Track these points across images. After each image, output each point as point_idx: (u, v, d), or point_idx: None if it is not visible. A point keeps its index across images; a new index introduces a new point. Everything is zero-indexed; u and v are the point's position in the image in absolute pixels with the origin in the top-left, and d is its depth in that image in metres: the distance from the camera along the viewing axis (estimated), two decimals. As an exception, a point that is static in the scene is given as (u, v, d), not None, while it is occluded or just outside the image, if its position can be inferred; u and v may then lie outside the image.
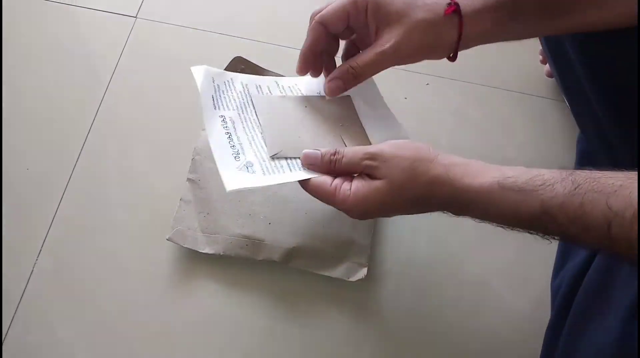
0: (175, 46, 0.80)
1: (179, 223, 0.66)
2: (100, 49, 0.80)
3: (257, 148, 0.55)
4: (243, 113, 0.58)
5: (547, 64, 0.82)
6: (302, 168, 0.55)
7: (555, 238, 0.45)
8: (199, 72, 0.58)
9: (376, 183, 0.50)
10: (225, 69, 0.75)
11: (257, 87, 0.61)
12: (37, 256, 0.66)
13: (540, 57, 0.83)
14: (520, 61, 0.84)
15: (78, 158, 0.72)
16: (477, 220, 0.49)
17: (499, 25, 0.53)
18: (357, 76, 0.55)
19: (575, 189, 0.41)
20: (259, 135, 0.56)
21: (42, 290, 0.64)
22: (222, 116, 0.57)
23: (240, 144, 0.55)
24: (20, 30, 0.80)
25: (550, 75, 0.81)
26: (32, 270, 0.65)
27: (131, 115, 0.75)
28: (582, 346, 0.54)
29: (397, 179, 0.49)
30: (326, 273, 0.64)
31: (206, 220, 0.66)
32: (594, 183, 0.41)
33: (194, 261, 0.66)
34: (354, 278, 0.64)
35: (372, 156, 0.50)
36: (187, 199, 0.67)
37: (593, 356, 0.52)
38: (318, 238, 0.65)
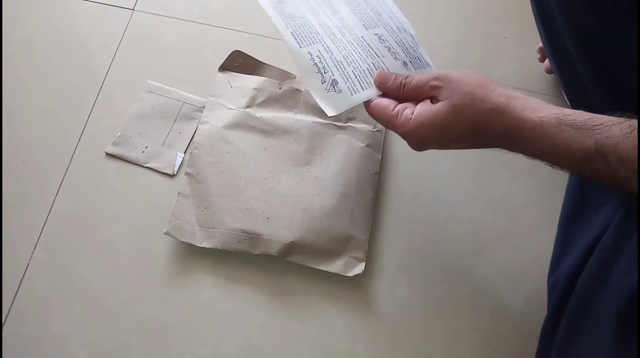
0: (172, 38, 0.80)
1: (177, 217, 0.66)
2: (98, 41, 0.79)
3: (339, 62, 0.57)
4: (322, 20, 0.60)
5: (546, 61, 0.82)
6: (372, 86, 0.57)
7: (604, 181, 0.45)
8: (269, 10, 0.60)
9: (438, 105, 0.50)
10: (223, 64, 0.75)
11: None
12: (34, 249, 0.66)
13: (539, 54, 0.83)
14: (518, 57, 0.84)
15: (74, 151, 0.71)
16: (529, 157, 0.49)
17: None
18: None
19: (631, 132, 0.42)
20: (345, 46, 0.59)
21: (39, 283, 0.64)
22: (309, 52, 0.58)
23: (322, 62, 0.57)
24: (18, 21, 0.80)
25: (549, 71, 0.81)
26: (29, 263, 0.65)
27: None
28: (579, 342, 0.54)
29: (458, 101, 0.49)
30: (323, 268, 0.64)
31: (204, 214, 0.66)
32: None
33: (192, 255, 0.66)
34: (351, 273, 0.64)
35: (438, 77, 0.51)
36: (185, 194, 0.67)
37: (589, 353, 0.52)
38: (316, 233, 0.65)
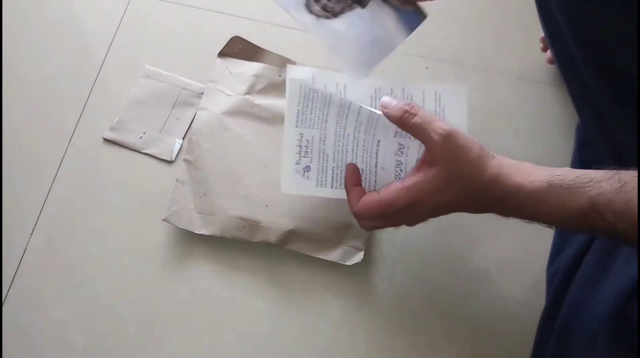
0: (171, 23, 0.78)
1: (175, 203, 0.65)
2: (96, 25, 0.78)
3: (327, 158, 0.59)
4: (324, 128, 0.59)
5: (549, 51, 0.81)
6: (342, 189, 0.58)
7: (604, 236, 0.47)
8: (293, 84, 0.57)
9: (432, 172, 0.49)
10: (223, 50, 0.74)
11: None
12: (31, 235, 0.65)
13: (541, 44, 0.82)
14: (520, 47, 0.83)
15: (72, 136, 0.71)
16: (526, 221, 0.49)
17: None
18: None
19: (621, 186, 0.42)
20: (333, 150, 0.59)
21: (35, 269, 0.64)
22: (301, 134, 0.58)
23: (309, 148, 0.58)
24: (14, 6, 0.78)
25: (551, 62, 0.81)
26: (25, 249, 0.65)
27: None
28: (576, 334, 0.54)
29: (453, 172, 0.49)
30: (322, 257, 0.64)
31: (202, 201, 0.65)
32: None
33: (190, 242, 0.65)
34: (350, 262, 0.64)
35: (448, 134, 0.49)
36: (184, 180, 0.67)
37: (587, 344, 0.52)
38: (315, 221, 0.65)
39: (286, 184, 0.59)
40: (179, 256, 0.65)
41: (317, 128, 0.58)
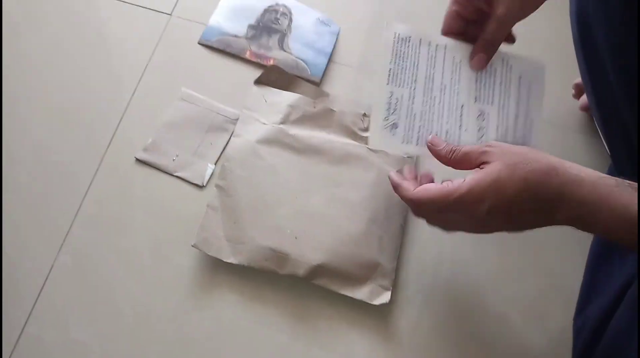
0: (209, 47, 0.79)
1: (205, 230, 0.65)
2: (134, 45, 0.78)
3: (414, 117, 0.61)
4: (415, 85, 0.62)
5: (581, 98, 0.81)
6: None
7: None
8: (388, 41, 0.61)
9: (490, 165, 0.49)
10: (259, 78, 0.75)
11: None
12: (58, 252, 0.65)
13: (574, 90, 0.82)
14: (552, 91, 0.83)
15: (104, 155, 0.71)
16: (584, 224, 0.48)
17: None
18: (491, 43, 0.60)
19: None
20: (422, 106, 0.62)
21: (60, 288, 0.63)
22: (392, 91, 0.61)
23: (397, 106, 0.61)
24: (52, 24, 0.79)
25: (585, 108, 0.80)
26: (52, 266, 0.64)
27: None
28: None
29: (510, 160, 0.49)
30: (349, 294, 0.63)
31: (232, 229, 0.65)
32: None
33: (217, 269, 0.65)
34: (377, 302, 0.63)
35: (489, 144, 0.51)
36: (214, 206, 0.66)
37: None
38: (344, 257, 0.64)
39: (374, 139, 0.62)
40: (205, 283, 0.65)
41: (407, 87, 0.61)
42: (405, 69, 0.61)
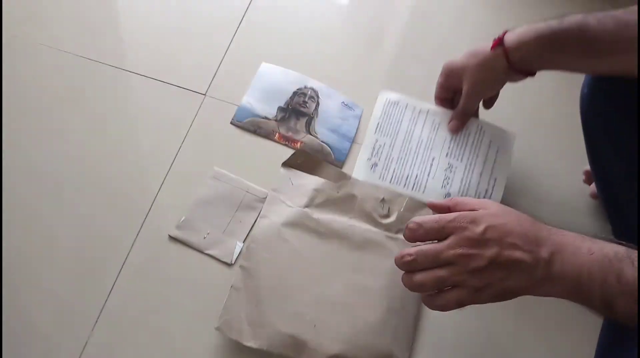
0: (239, 128, 0.84)
1: (228, 312, 0.68)
2: (170, 123, 0.84)
3: (391, 160, 0.78)
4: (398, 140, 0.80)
5: (592, 185, 0.84)
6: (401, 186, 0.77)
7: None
8: (380, 102, 0.82)
9: (489, 204, 0.56)
10: (287, 161, 0.79)
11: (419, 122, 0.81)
12: (93, 328, 0.69)
13: (584, 176, 0.85)
14: (563, 176, 0.86)
15: (139, 231, 0.75)
16: (566, 292, 0.51)
17: (543, 54, 0.62)
18: (463, 113, 0.76)
19: None
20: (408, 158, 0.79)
21: (96, 362, 0.67)
22: (377, 139, 0.80)
23: (379, 150, 0.79)
24: (95, 101, 0.85)
25: (594, 196, 0.83)
26: (86, 342, 0.68)
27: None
28: None
29: (508, 208, 0.55)
30: (362, 382, 0.66)
31: (254, 312, 0.68)
32: None
33: (239, 351, 0.68)
34: (389, 391, 0.66)
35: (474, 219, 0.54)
36: (238, 287, 0.70)
37: None
38: (359, 348, 0.67)
39: (357, 171, 0.79)
40: (229, 363, 0.68)
41: (389, 137, 0.79)
42: (391, 124, 0.80)
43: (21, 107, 0.84)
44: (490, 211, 0.54)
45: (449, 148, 0.78)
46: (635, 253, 0.48)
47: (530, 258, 0.51)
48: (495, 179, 0.76)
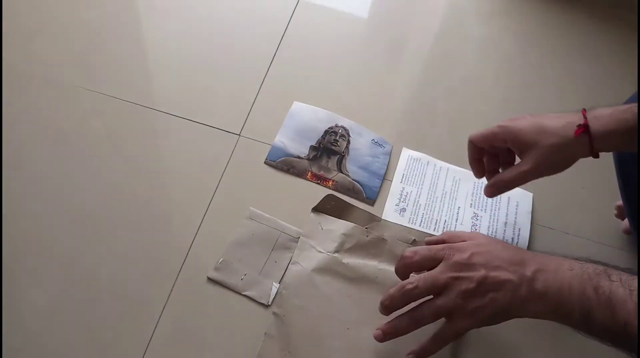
0: (272, 165, 0.87)
1: (262, 359, 0.72)
2: (205, 164, 0.87)
3: (419, 206, 0.85)
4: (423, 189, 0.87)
5: (625, 221, 0.84)
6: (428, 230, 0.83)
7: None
8: (404, 157, 0.89)
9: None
10: (317, 206, 0.82)
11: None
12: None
13: (616, 211, 0.85)
14: (595, 208, 0.86)
15: (178, 274, 0.79)
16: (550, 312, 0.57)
17: (628, 145, 0.61)
18: (506, 186, 0.70)
19: None
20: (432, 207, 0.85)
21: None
22: (403, 187, 0.87)
23: (406, 198, 0.85)
24: (128, 136, 0.89)
25: (627, 232, 0.83)
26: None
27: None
28: None
29: (488, 238, 0.66)
30: None
31: (287, 359, 0.71)
32: None
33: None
34: None
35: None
36: (271, 334, 0.74)
37: None
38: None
39: (387, 216, 0.83)
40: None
41: (415, 187, 0.86)
42: (415, 176, 0.87)
43: (61, 150, 0.88)
44: (477, 242, 0.63)
45: (472, 200, 0.85)
46: (613, 270, 0.55)
47: (516, 277, 0.58)
48: (520, 229, 0.81)
